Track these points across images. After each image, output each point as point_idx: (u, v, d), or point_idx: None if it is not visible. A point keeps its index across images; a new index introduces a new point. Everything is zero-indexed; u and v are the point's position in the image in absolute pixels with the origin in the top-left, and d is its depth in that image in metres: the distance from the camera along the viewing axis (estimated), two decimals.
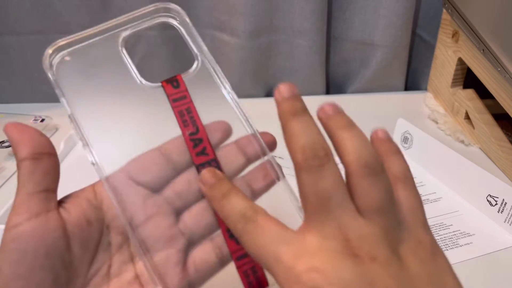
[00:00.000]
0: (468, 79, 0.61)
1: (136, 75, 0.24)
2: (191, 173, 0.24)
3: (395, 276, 0.18)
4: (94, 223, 0.22)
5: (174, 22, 0.25)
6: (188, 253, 0.23)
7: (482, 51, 0.53)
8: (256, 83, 0.70)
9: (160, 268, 0.22)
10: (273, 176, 0.24)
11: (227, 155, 0.24)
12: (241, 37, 0.65)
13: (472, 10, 0.55)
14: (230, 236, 0.23)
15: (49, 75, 0.24)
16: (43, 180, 0.21)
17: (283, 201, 0.24)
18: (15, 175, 0.51)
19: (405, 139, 0.53)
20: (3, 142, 0.57)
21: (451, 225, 0.42)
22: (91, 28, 0.25)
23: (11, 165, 0.53)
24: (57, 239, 0.21)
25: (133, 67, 0.24)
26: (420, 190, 0.47)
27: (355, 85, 0.73)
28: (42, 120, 0.63)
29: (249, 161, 0.24)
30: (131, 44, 0.25)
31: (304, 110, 0.22)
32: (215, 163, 0.23)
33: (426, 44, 0.72)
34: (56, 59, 0.25)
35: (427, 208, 0.44)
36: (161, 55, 0.68)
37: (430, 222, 0.42)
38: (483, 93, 0.55)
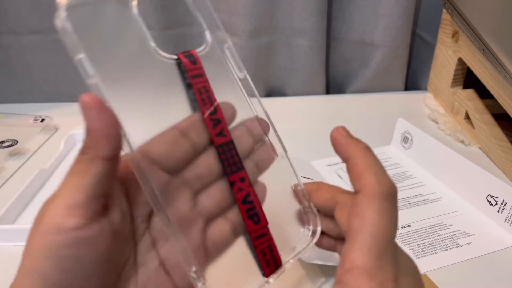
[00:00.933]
0: (468, 79, 0.61)
1: (151, 42, 0.22)
2: (209, 155, 0.24)
3: None
4: (126, 214, 0.21)
5: None
6: (207, 232, 0.23)
7: (482, 51, 0.53)
8: (256, 83, 0.70)
9: (184, 250, 0.22)
10: (274, 155, 0.25)
11: (239, 137, 0.24)
12: (241, 37, 0.65)
13: (472, 10, 0.55)
14: (249, 216, 0.24)
15: (63, 27, 0.19)
16: (109, 184, 0.20)
17: (282, 174, 0.26)
18: (15, 175, 0.51)
19: (405, 139, 0.53)
20: (3, 142, 0.57)
21: (451, 225, 0.42)
22: None
23: (11, 165, 0.53)
24: (110, 244, 0.19)
25: (148, 33, 0.22)
26: (420, 190, 0.47)
27: (355, 85, 0.73)
28: (42, 120, 0.63)
29: (255, 142, 0.25)
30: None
31: None
32: (232, 144, 0.24)
33: (426, 44, 0.72)
34: (67, 15, 0.19)
35: (427, 208, 0.44)
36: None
37: (430, 222, 0.42)
38: (483, 93, 0.55)
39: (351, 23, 0.69)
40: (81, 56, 0.19)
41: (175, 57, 0.23)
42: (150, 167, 0.21)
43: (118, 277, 0.21)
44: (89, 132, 0.19)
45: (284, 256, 0.24)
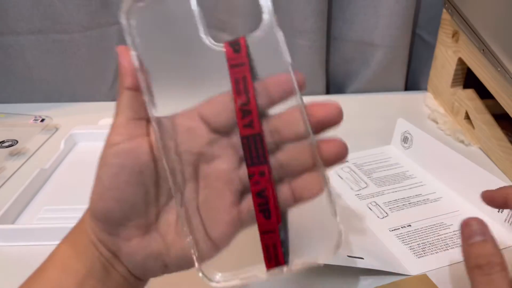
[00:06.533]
0: (468, 79, 0.61)
1: (203, 32, 0.25)
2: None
3: None
4: (174, 150, 0.25)
5: None
6: (244, 197, 0.25)
7: (482, 51, 0.53)
8: None
9: (215, 203, 0.24)
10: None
11: (277, 128, 0.24)
12: None
13: (472, 10, 0.55)
14: (260, 210, 0.24)
15: (124, 21, 0.24)
16: (140, 109, 0.24)
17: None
18: (15, 175, 0.51)
19: (405, 139, 0.53)
20: (3, 142, 0.57)
21: (451, 225, 0.42)
22: None
23: (11, 165, 0.53)
24: (148, 160, 0.24)
25: (202, 23, 0.25)
26: (420, 190, 0.47)
27: (355, 85, 0.73)
28: (42, 120, 0.63)
29: (296, 138, 0.24)
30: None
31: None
32: (259, 137, 0.24)
33: (426, 44, 0.72)
34: (132, 5, 0.24)
35: (427, 208, 0.44)
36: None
37: (430, 222, 0.42)
38: (483, 93, 0.55)
39: (351, 23, 0.69)
40: (133, 53, 0.24)
41: (222, 45, 0.24)
42: (195, 119, 0.25)
43: (157, 197, 0.24)
44: (120, 69, 0.24)
45: (292, 258, 0.24)
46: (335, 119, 0.25)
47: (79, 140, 0.57)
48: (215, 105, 0.25)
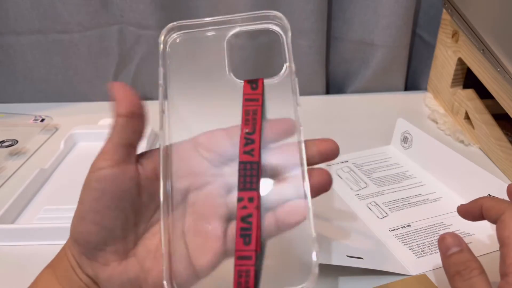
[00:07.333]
0: (468, 79, 0.61)
1: (227, 68, 0.27)
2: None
3: None
4: (169, 178, 0.26)
5: (276, 29, 0.30)
6: (229, 226, 0.25)
7: (482, 51, 0.53)
8: None
9: (202, 231, 0.25)
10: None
11: (271, 159, 0.25)
12: (241, 37, 0.65)
13: (472, 10, 0.55)
14: (241, 235, 0.24)
15: (161, 49, 0.27)
16: (130, 136, 0.25)
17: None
18: (15, 175, 0.51)
19: (405, 139, 0.53)
20: (3, 142, 0.57)
21: (451, 225, 0.42)
22: (206, 18, 0.28)
23: (11, 165, 0.53)
24: (131, 187, 0.24)
25: (228, 61, 0.27)
26: (420, 190, 0.47)
27: (355, 85, 0.73)
28: (42, 120, 0.63)
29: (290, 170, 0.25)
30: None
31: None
32: (256, 165, 0.25)
33: (426, 44, 0.72)
34: (170, 38, 0.28)
35: (427, 208, 0.44)
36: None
37: (430, 222, 0.42)
38: (483, 93, 0.55)
39: (351, 23, 0.69)
40: (160, 69, 0.27)
41: (242, 81, 0.27)
42: (191, 149, 0.26)
43: (137, 224, 0.25)
44: (114, 98, 0.25)
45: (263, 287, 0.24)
46: (333, 153, 0.26)
47: (79, 140, 0.57)
48: (213, 137, 0.26)
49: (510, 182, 0.49)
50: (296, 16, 0.65)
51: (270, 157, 0.25)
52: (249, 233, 0.24)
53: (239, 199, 0.24)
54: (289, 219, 0.24)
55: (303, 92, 0.73)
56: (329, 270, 0.36)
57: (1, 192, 0.48)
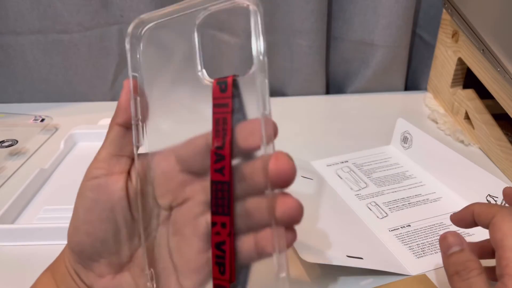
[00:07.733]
0: (468, 79, 0.61)
1: (200, 65, 0.24)
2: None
3: None
4: (151, 194, 0.25)
5: (247, 4, 0.24)
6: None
7: (482, 51, 0.53)
8: None
9: (185, 250, 0.24)
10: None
11: (248, 175, 0.22)
12: (241, 37, 0.65)
13: (472, 10, 0.55)
14: (216, 263, 0.23)
15: (128, 46, 0.25)
16: (124, 147, 0.24)
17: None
18: (15, 175, 0.51)
19: (405, 139, 0.53)
20: (3, 142, 0.57)
21: (451, 225, 0.42)
22: (171, 5, 0.24)
23: (11, 165, 0.53)
24: (121, 197, 0.24)
25: (200, 55, 0.24)
26: (420, 190, 0.47)
27: (355, 85, 0.73)
28: (42, 120, 0.63)
29: (266, 188, 0.22)
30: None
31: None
32: (227, 186, 0.22)
33: (426, 44, 0.72)
34: (140, 31, 0.25)
35: (427, 208, 0.44)
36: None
37: (430, 222, 0.42)
38: (483, 93, 0.55)
39: (351, 23, 0.69)
40: (131, 73, 0.24)
41: (212, 81, 0.23)
42: (169, 161, 0.24)
43: (130, 237, 0.25)
44: (118, 104, 0.24)
45: None
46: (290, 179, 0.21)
47: (79, 140, 0.57)
48: (192, 147, 0.24)
49: (510, 182, 0.49)
50: (296, 16, 0.65)
51: (241, 173, 0.22)
52: (223, 262, 0.22)
53: (213, 224, 0.23)
54: (268, 247, 0.22)
55: (303, 92, 0.74)
56: (329, 270, 0.36)
57: (1, 192, 0.48)
